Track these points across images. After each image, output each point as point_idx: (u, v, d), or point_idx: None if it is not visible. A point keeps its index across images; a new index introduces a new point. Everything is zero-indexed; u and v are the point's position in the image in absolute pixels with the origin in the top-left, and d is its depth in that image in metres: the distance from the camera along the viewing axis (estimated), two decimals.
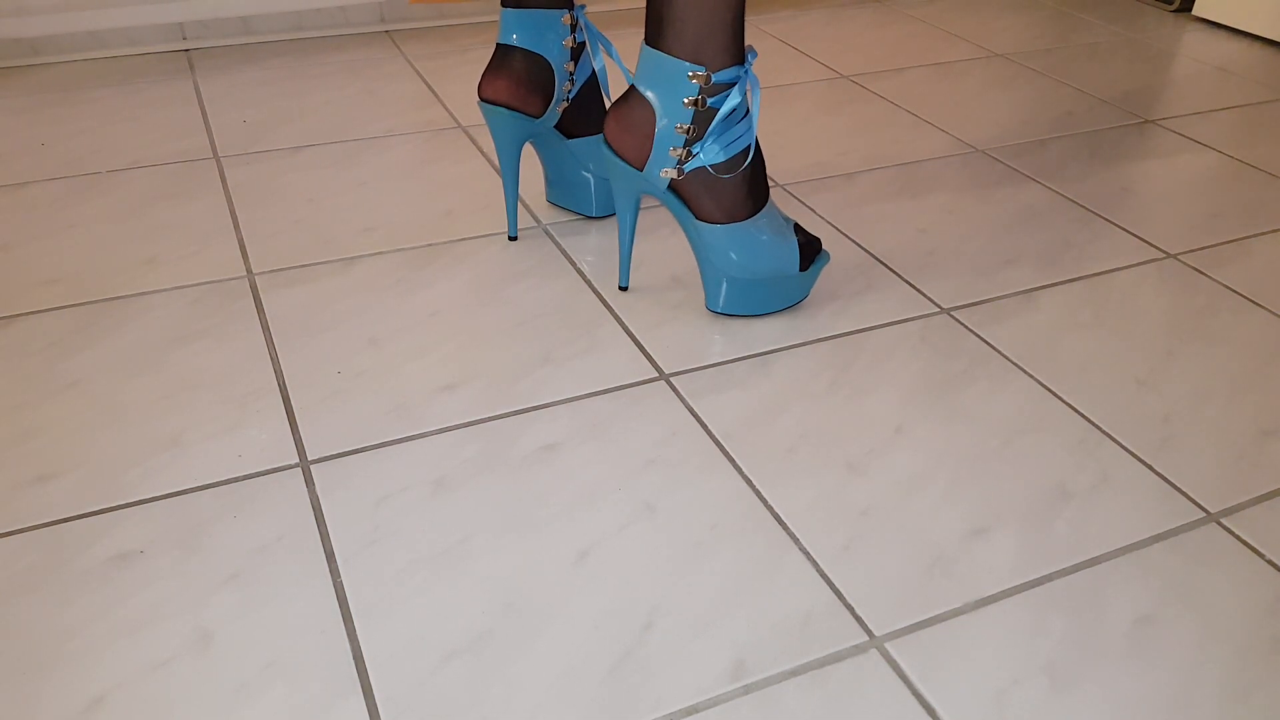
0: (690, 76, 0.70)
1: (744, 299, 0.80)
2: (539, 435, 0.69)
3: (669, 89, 0.71)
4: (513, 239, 0.89)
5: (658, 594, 0.57)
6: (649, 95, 0.72)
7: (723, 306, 0.80)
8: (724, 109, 0.71)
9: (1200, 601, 0.59)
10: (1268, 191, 1.07)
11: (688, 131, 0.72)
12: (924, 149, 1.14)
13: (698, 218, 0.75)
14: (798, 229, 0.80)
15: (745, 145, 0.74)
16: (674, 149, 0.73)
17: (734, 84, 0.71)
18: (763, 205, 0.77)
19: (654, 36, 0.71)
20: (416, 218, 0.95)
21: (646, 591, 0.57)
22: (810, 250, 0.81)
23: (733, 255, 0.77)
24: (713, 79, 0.70)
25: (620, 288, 0.85)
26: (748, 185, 0.75)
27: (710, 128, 0.72)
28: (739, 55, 0.71)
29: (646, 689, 0.52)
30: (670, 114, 0.72)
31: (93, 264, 0.86)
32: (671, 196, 0.76)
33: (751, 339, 0.79)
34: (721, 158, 0.73)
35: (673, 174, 0.73)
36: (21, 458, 0.65)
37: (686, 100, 0.71)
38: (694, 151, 0.72)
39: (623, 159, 0.75)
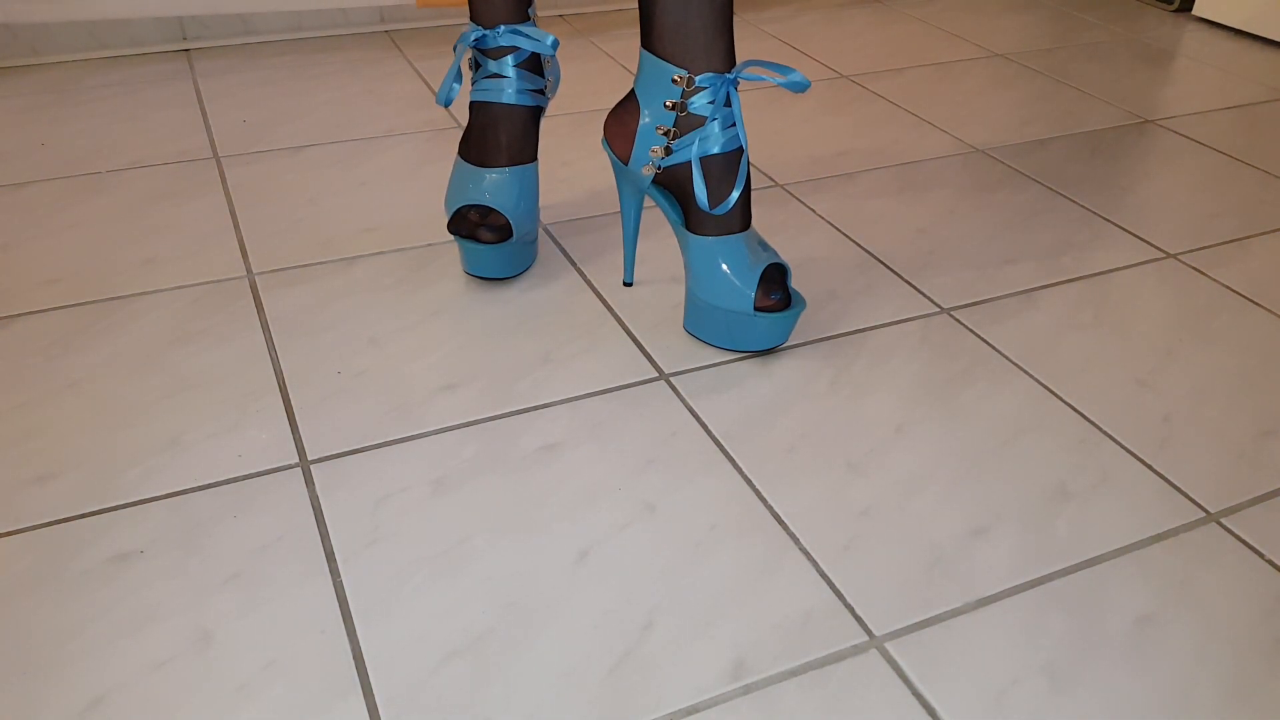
0: (674, 80, 0.70)
1: (698, 322, 0.77)
2: (539, 435, 0.69)
3: (653, 90, 0.72)
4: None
5: (658, 594, 0.57)
6: (638, 94, 0.74)
7: (687, 324, 0.79)
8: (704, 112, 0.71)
9: (1200, 601, 0.59)
10: (1268, 191, 1.07)
11: (668, 133, 0.72)
12: (924, 149, 1.14)
13: (685, 221, 0.75)
14: (776, 277, 0.75)
15: (712, 154, 0.72)
16: (654, 148, 0.73)
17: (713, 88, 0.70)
18: (734, 229, 0.74)
19: (644, 36, 0.72)
20: (416, 218, 0.95)
21: (646, 591, 0.57)
22: (778, 302, 0.75)
23: (695, 269, 0.75)
24: (696, 82, 0.70)
25: (625, 284, 0.85)
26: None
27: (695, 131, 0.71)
28: (726, 62, 0.70)
29: (646, 689, 0.52)
30: (653, 114, 0.73)
31: (93, 264, 0.86)
32: (659, 195, 0.76)
33: None
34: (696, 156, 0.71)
35: (653, 171, 0.74)
36: (21, 458, 0.65)
37: (668, 103, 0.72)
38: (673, 148, 0.73)
39: (613, 153, 0.77)
